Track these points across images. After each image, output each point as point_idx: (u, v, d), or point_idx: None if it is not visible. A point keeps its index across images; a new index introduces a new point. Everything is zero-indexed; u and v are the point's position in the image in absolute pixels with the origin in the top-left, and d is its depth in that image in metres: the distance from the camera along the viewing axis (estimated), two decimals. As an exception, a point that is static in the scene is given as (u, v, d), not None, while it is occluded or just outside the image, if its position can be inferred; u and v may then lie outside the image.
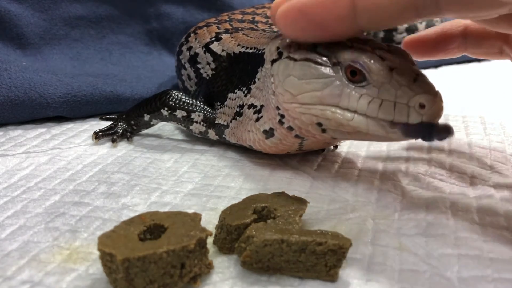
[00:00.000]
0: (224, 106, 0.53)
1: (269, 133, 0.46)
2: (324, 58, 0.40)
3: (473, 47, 0.49)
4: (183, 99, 0.54)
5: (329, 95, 0.39)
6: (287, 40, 0.43)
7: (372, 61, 0.38)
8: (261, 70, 0.46)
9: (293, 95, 0.41)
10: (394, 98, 0.37)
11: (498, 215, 0.40)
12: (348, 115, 0.39)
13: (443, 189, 0.45)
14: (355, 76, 0.39)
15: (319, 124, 0.41)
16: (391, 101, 0.37)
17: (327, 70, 0.40)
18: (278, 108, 0.44)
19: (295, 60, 0.41)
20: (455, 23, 0.49)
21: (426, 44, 0.49)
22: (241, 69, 0.51)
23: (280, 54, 0.43)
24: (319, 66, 0.40)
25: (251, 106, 0.48)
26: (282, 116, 0.44)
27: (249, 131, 0.48)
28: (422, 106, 0.36)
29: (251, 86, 0.48)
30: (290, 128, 0.44)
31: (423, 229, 0.38)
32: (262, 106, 0.47)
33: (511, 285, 0.33)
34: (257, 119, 0.47)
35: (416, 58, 0.46)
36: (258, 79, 0.47)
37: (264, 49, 0.47)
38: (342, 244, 0.32)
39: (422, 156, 0.52)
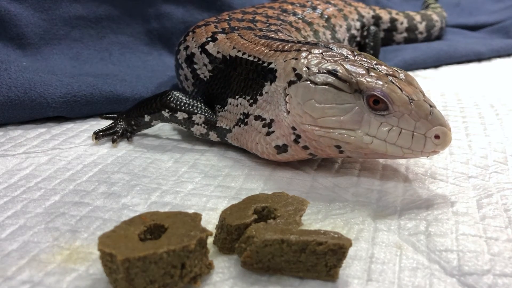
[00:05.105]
0: (225, 110, 0.52)
1: (282, 148, 0.46)
2: (346, 84, 0.42)
3: None
4: (184, 100, 0.54)
5: (350, 121, 0.42)
6: (302, 61, 0.44)
7: (395, 93, 0.41)
8: (271, 85, 0.46)
9: (314, 118, 0.43)
10: (413, 128, 0.41)
11: (498, 215, 0.41)
12: (368, 139, 0.42)
13: (443, 189, 0.45)
14: (377, 104, 0.41)
15: (338, 147, 0.44)
16: (409, 131, 0.41)
17: (348, 97, 0.42)
18: (294, 128, 0.45)
19: (316, 83, 0.42)
20: None
21: None
22: (240, 75, 0.51)
23: (298, 76, 0.44)
24: (340, 92, 0.42)
25: (258, 117, 0.48)
26: (298, 136, 0.45)
27: (257, 143, 0.48)
28: (437, 137, 0.40)
29: (258, 97, 0.48)
30: (305, 148, 0.45)
31: (423, 229, 0.39)
32: (272, 120, 0.47)
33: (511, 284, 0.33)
34: (268, 133, 0.47)
35: None
36: (266, 92, 0.47)
37: (271, 63, 0.47)
38: (342, 244, 0.32)
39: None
